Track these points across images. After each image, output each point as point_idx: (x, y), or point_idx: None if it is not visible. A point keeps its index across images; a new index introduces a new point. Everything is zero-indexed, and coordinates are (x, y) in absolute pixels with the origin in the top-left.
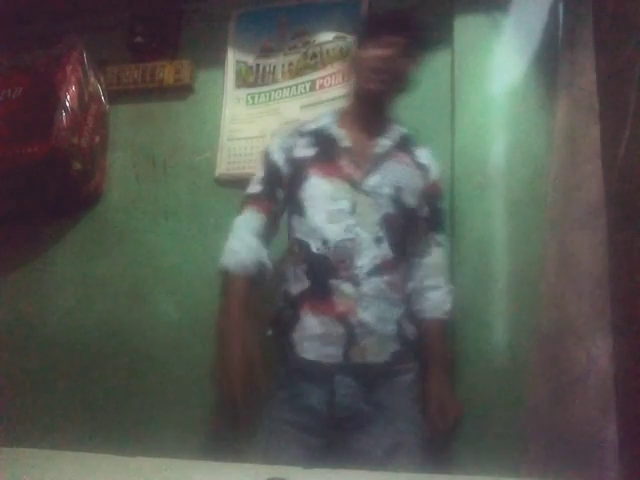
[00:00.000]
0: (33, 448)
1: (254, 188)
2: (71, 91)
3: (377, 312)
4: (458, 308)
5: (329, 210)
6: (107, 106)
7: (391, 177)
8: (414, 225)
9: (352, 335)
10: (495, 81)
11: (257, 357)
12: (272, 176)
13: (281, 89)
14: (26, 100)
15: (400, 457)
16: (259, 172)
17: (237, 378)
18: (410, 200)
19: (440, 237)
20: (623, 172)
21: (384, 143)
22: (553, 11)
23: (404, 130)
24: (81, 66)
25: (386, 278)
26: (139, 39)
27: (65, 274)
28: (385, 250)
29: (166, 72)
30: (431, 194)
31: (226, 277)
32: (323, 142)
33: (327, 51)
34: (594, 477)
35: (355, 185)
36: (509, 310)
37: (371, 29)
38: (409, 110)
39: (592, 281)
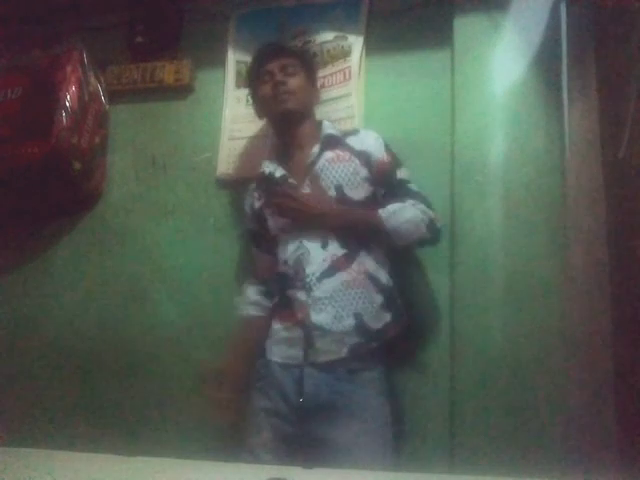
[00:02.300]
0: (33, 448)
1: (252, 264)
2: (71, 91)
3: (332, 312)
4: (458, 307)
5: (288, 236)
6: (107, 106)
7: (328, 179)
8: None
9: (310, 337)
10: (495, 81)
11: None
12: (252, 233)
13: None
14: (26, 100)
15: (365, 447)
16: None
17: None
18: (355, 192)
19: (410, 202)
20: (623, 172)
21: (312, 151)
22: (553, 11)
23: (329, 130)
24: (81, 66)
25: (340, 276)
26: (139, 39)
27: (65, 274)
28: (334, 250)
29: (166, 72)
30: (381, 172)
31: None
32: (267, 184)
33: (328, 50)
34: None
35: None
36: (509, 310)
37: (255, 64)
38: (409, 110)
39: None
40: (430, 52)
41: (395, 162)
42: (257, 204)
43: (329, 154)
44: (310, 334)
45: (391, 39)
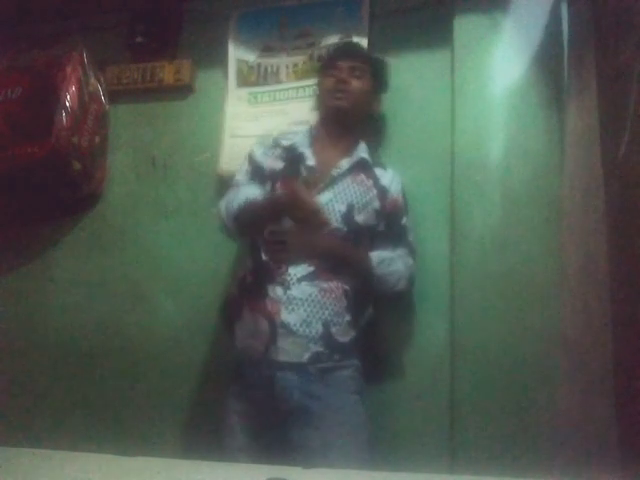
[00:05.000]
0: (33, 448)
1: (240, 178)
2: (71, 91)
3: (303, 315)
4: (458, 307)
5: (282, 220)
6: (107, 106)
7: (344, 195)
8: (366, 241)
9: (274, 334)
10: (495, 81)
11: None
12: (256, 174)
13: (286, 90)
14: (26, 100)
15: (341, 448)
16: (244, 168)
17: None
18: (362, 218)
19: (400, 251)
20: (623, 172)
21: (342, 165)
22: (553, 11)
23: (365, 155)
24: (81, 66)
25: (319, 284)
26: (139, 39)
27: (65, 274)
28: (323, 260)
29: (166, 72)
30: (391, 211)
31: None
32: (292, 158)
33: None
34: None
35: None
36: (509, 310)
37: (328, 58)
38: (409, 110)
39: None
40: (430, 52)
41: (405, 208)
42: (272, 164)
43: (355, 174)
44: (275, 331)
45: (391, 39)
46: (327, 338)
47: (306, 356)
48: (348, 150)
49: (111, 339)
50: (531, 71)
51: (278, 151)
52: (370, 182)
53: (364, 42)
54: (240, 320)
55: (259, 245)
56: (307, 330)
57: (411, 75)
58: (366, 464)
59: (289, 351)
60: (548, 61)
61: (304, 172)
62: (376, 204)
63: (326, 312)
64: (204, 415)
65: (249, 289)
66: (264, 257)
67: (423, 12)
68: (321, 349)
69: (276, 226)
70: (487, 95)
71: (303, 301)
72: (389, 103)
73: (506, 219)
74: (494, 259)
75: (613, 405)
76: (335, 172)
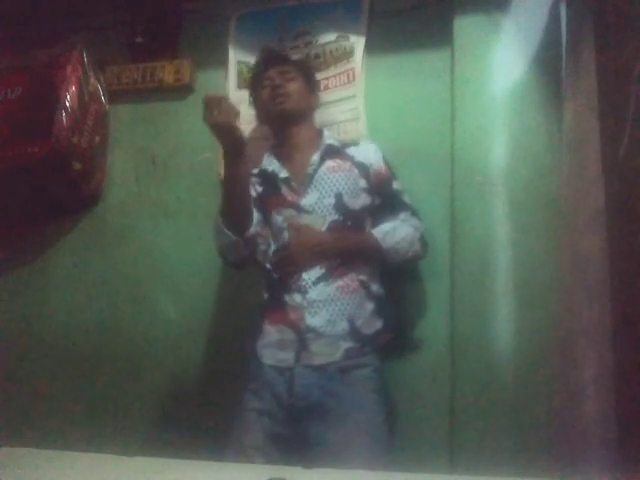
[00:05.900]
0: (33, 448)
1: None
2: (71, 91)
3: (326, 315)
4: (458, 307)
5: (283, 238)
6: (107, 106)
7: (328, 188)
8: (367, 221)
9: (303, 340)
10: (495, 81)
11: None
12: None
13: None
14: (26, 100)
15: (358, 447)
16: None
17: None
18: (353, 201)
19: (403, 215)
20: (623, 173)
21: (313, 160)
22: (553, 11)
23: (330, 140)
24: (81, 66)
25: (334, 282)
26: (139, 39)
27: (65, 274)
28: (330, 256)
29: (166, 72)
30: (378, 182)
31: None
32: (267, 179)
33: (330, 52)
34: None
35: (297, 208)
36: (509, 310)
37: (256, 71)
38: (409, 110)
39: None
40: (430, 52)
41: (392, 174)
42: (254, 192)
43: (330, 163)
44: (303, 337)
45: (391, 39)
46: (354, 333)
47: (339, 354)
48: (314, 144)
49: (111, 339)
50: (531, 71)
51: (254, 179)
52: (347, 164)
53: (362, 42)
54: (263, 338)
55: (268, 268)
56: (334, 329)
57: (411, 75)
58: (383, 463)
59: (322, 353)
60: (548, 61)
61: (282, 185)
62: (362, 183)
63: (348, 308)
64: (204, 415)
65: (265, 306)
66: (275, 275)
67: (423, 12)
68: (351, 344)
69: (276, 248)
70: (487, 95)
71: (323, 302)
72: (389, 103)
73: (506, 219)
74: (494, 259)
75: (613, 405)
76: (310, 169)
